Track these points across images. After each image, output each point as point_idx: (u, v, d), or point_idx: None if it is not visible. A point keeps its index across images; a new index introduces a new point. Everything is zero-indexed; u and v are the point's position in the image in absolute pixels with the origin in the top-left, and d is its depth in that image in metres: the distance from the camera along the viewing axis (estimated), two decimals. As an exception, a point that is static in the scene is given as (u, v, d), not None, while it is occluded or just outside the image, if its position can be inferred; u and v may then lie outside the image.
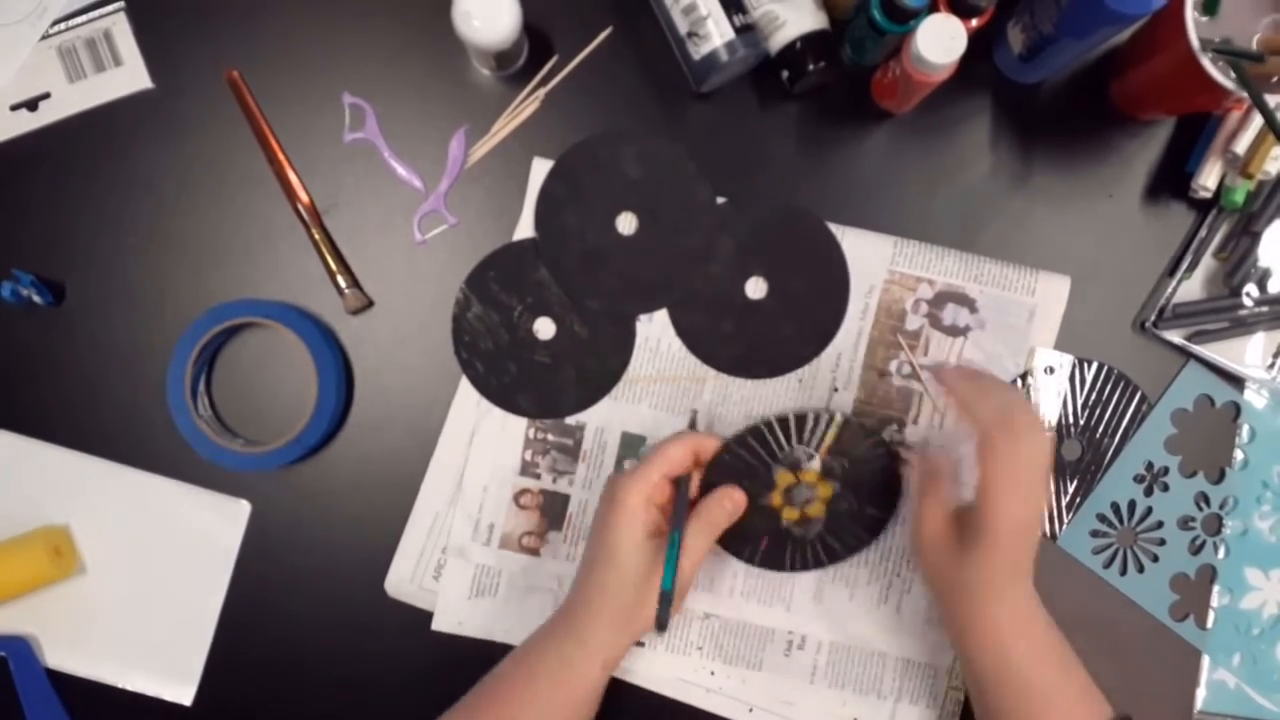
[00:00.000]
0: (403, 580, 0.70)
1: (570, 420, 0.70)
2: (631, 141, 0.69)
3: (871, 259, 0.70)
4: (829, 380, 0.70)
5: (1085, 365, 0.70)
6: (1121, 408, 0.70)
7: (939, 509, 0.61)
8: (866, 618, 0.69)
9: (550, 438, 0.70)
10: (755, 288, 0.70)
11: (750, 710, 0.69)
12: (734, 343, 0.69)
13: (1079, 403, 0.70)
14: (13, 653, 0.68)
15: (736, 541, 0.67)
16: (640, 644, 0.69)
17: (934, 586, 0.63)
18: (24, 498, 0.70)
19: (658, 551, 0.61)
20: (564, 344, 0.70)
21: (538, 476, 0.70)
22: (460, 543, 0.69)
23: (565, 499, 0.70)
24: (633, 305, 0.70)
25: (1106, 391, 0.70)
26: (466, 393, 0.70)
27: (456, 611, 0.69)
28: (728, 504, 0.64)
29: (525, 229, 0.70)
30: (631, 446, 0.70)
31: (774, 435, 0.66)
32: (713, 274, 0.70)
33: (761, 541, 0.67)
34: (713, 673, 0.69)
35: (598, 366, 0.70)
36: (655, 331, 0.70)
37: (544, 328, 0.70)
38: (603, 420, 0.70)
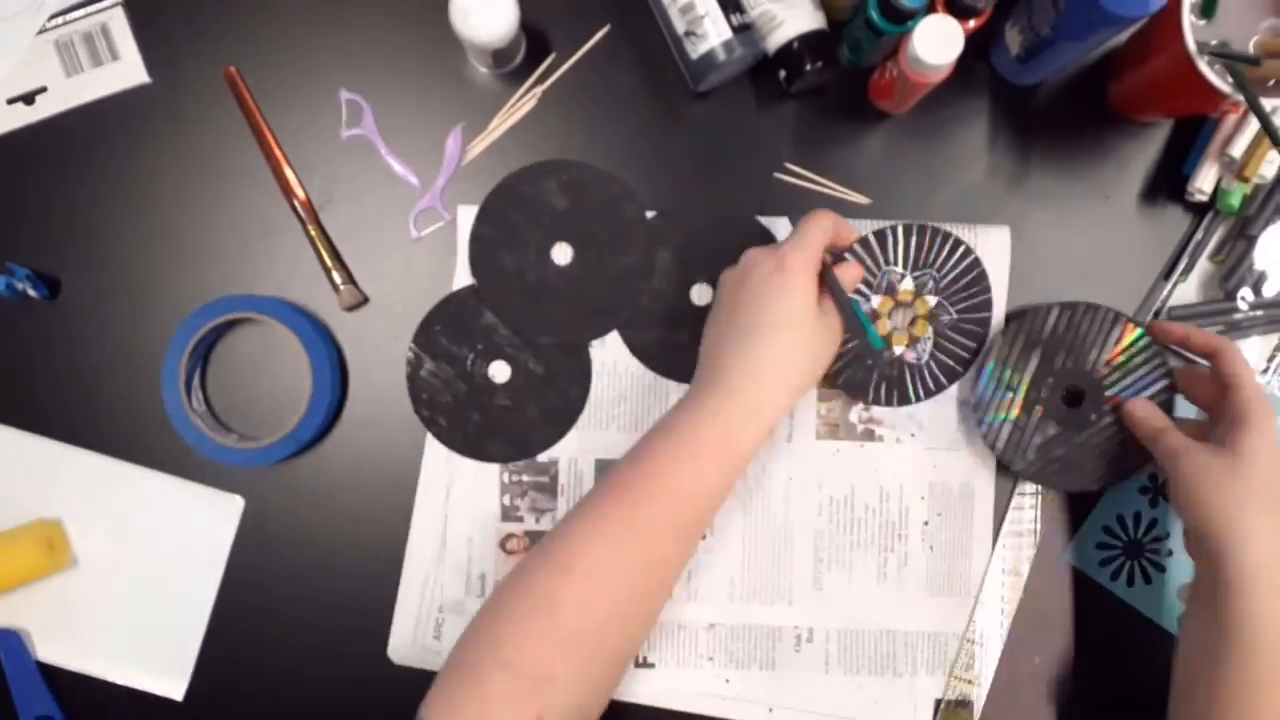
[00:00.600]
0: (404, 646, 0.69)
1: (542, 458, 0.70)
2: (553, 172, 0.69)
3: None
4: None
5: (1089, 311, 0.68)
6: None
7: (1178, 438, 0.62)
8: (868, 598, 0.70)
9: (526, 479, 0.70)
10: (700, 294, 0.70)
11: (770, 710, 0.69)
12: (690, 351, 0.67)
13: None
14: (4, 645, 0.68)
15: (859, 388, 0.69)
16: (650, 665, 0.69)
17: (1206, 523, 0.59)
18: (17, 491, 0.69)
19: (824, 318, 0.61)
20: (522, 384, 0.70)
21: (520, 519, 0.70)
22: (454, 598, 0.69)
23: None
24: (583, 333, 0.70)
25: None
26: (435, 450, 0.70)
27: None
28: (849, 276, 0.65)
29: (463, 277, 0.70)
30: (607, 473, 0.69)
31: (862, 261, 0.68)
32: (656, 288, 0.70)
33: (880, 383, 0.69)
34: (728, 680, 0.69)
35: (560, 400, 0.70)
36: (610, 355, 0.70)
37: (499, 371, 0.70)
38: (574, 452, 0.70)
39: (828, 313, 0.61)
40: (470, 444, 0.69)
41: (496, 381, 0.70)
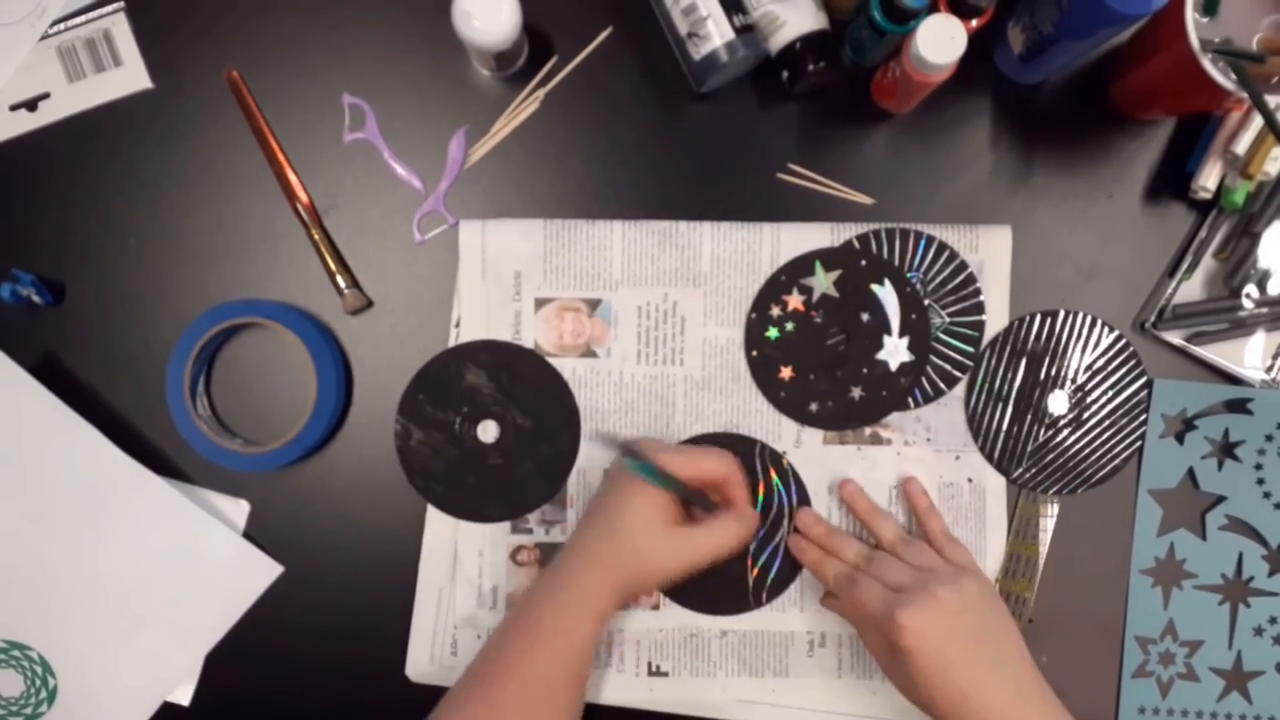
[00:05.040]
0: (422, 664, 0.69)
1: None
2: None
3: (810, 247, 0.70)
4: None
5: (1069, 317, 0.70)
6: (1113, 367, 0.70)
7: (877, 646, 0.62)
8: None
9: None
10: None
11: (785, 715, 0.69)
12: None
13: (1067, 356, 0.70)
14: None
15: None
16: (664, 674, 0.69)
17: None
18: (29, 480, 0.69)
19: (673, 535, 0.62)
20: (512, 441, 0.70)
21: (529, 531, 0.70)
22: (467, 612, 0.69)
23: (561, 548, 0.70)
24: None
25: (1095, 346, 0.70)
26: (437, 511, 0.70)
27: None
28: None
29: (465, 294, 0.70)
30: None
31: None
32: None
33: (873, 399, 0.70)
34: (741, 687, 0.69)
35: (552, 451, 0.70)
36: (616, 365, 0.70)
37: (487, 431, 0.70)
38: (583, 463, 0.70)
39: (675, 534, 0.62)
40: (468, 508, 0.69)
41: (486, 441, 0.69)
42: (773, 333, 0.70)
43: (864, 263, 0.69)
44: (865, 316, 0.70)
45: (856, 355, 0.70)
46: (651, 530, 0.61)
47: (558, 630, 0.61)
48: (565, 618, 0.61)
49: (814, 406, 0.70)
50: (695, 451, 0.64)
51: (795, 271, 0.70)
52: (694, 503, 0.64)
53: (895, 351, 0.70)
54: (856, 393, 0.69)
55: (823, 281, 0.70)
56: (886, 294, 0.69)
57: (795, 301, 0.70)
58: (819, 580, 0.66)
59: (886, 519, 0.67)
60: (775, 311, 0.70)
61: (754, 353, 0.70)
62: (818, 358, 0.70)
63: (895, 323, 0.69)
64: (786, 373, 0.70)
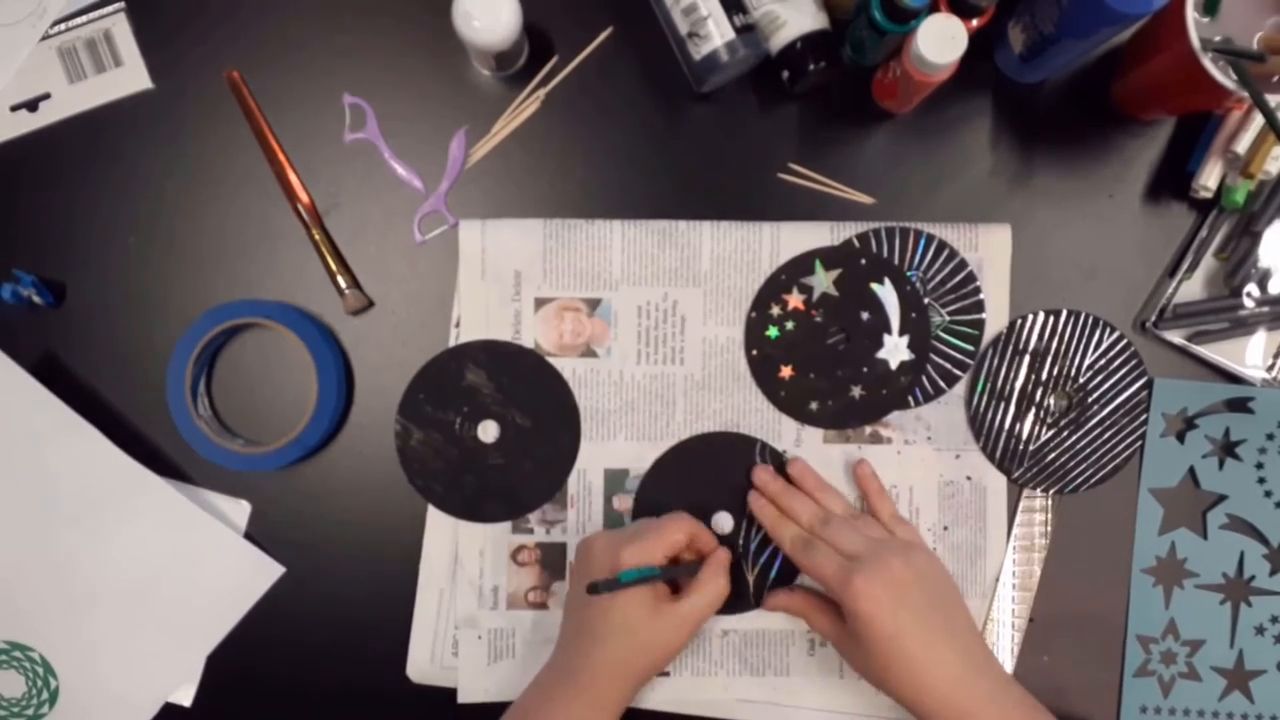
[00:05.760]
0: (423, 664, 0.69)
1: None
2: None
3: (810, 246, 0.70)
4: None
5: (1071, 316, 0.70)
6: (1109, 362, 0.70)
7: (829, 626, 0.64)
8: None
9: None
10: (720, 523, 0.70)
11: (786, 714, 0.69)
12: None
13: (1064, 355, 0.70)
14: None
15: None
16: (665, 673, 0.69)
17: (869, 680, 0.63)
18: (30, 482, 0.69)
19: (672, 614, 0.61)
20: (511, 440, 0.70)
21: (530, 531, 0.70)
22: (468, 612, 0.69)
23: (562, 547, 0.70)
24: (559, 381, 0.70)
25: (1090, 342, 0.70)
26: (437, 511, 0.70)
27: (479, 680, 0.69)
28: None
29: (465, 295, 0.70)
30: (616, 482, 0.70)
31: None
32: None
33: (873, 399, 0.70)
34: (743, 686, 0.69)
35: (552, 449, 0.70)
36: (616, 365, 0.70)
37: (487, 430, 0.70)
38: (583, 463, 0.70)
39: (667, 612, 0.61)
40: (468, 507, 0.69)
41: (486, 441, 0.69)
42: (773, 332, 0.70)
43: (864, 262, 0.69)
44: (865, 315, 0.70)
45: (856, 354, 0.70)
46: (652, 620, 0.61)
47: None
48: None
49: (814, 405, 0.70)
50: (653, 531, 0.63)
51: (795, 270, 0.70)
52: (677, 576, 0.64)
53: (895, 350, 0.70)
54: (856, 391, 0.70)
55: (823, 280, 0.70)
56: (886, 293, 0.69)
57: (795, 300, 0.70)
58: (774, 541, 0.66)
59: (836, 495, 0.67)
60: (775, 310, 0.70)
61: (754, 352, 0.70)
62: (818, 357, 0.70)
63: (895, 321, 0.69)
64: (787, 372, 0.70)
